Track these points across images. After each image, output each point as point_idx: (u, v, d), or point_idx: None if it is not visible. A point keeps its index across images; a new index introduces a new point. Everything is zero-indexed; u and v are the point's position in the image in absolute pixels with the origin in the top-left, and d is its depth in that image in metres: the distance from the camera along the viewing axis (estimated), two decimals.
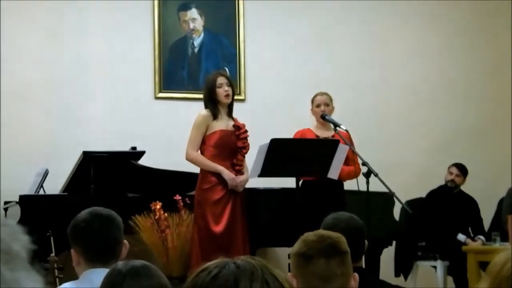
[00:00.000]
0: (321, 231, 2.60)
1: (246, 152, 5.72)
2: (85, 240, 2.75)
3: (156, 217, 5.77)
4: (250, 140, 5.73)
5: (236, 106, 5.84)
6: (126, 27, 7.12)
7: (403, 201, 5.69)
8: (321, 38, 7.61)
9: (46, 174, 6.15)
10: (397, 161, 7.54)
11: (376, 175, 5.32)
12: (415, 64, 7.88)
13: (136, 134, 6.87)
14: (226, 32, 7.38)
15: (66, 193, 6.00)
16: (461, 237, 6.92)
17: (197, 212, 5.58)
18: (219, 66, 7.17)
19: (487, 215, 7.25)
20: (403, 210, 6.63)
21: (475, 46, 8.05)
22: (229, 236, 5.51)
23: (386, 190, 5.35)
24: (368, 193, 5.39)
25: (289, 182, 5.56)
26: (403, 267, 7.03)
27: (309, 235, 2.50)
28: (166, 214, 5.77)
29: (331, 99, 5.99)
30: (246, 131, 5.73)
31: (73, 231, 2.79)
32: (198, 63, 7.30)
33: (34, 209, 5.71)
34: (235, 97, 5.90)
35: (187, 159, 5.68)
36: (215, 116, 5.64)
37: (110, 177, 5.97)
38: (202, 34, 7.32)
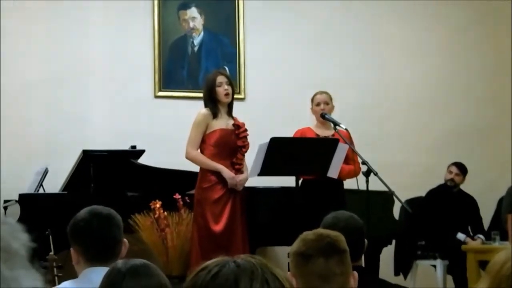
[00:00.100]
0: (320, 230, 2.60)
1: (245, 151, 5.72)
2: (84, 239, 2.75)
3: (156, 216, 5.76)
4: (249, 139, 5.73)
5: (235, 105, 5.84)
6: (126, 26, 7.12)
7: (403, 200, 5.69)
8: (321, 37, 7.61)
9: (46, 172, 6.15)
10: (397, 160, 7.53)
11: (375, 174, 5.32)
12: (415, 64, 7.88)
13: (136, 133, 6.87)
14: (226, 31, 7.38)
15: (65, 192, 6.00)
16: (460, 236, 6.92)
17: (196, 211, 5.58)
18: (219, 65, 7.17)
19: (486, 214, 7.25)
20: (402, 209, 6.63)
21: (475, 45, 8.05)
22: (229, 235, 5.51)
23: (385, 189, 5.35)
24: (367, 192, 5.39)
25: (289, 181, 5.56)
26: (402, 266, 7.03)
27: (308, 234, 2.50)
28: (165, 213, 5.77)
29: (331, 98, 5.99)
30: (246, 130, 5.73)
31: (72, 230, 2.79)
32: (198, 62, 7.30)
33: (34, 208, 5.70)
34: (235, 96, 5.90)
35: (187, 158, 5.68)
36: (215, 115, 5.64)
37: (109, 176, 5.97)
38: (202, 33, 7.32)
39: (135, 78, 7.12)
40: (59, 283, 2.94)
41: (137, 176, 6.10)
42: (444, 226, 6.94)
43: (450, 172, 7.16)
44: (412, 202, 6.75)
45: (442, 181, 7.17)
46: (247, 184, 5.74)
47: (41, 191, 6.07)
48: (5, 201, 6.14)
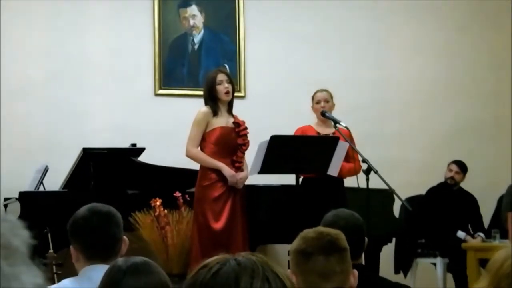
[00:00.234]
0: (320, 228, 2.60)
1: (246, 149, 5.72)
2: (84, 237, 2.74)
3: (156, 214, 5.76)
4: (250, 137, 5.73)
5: (236, 103, 5.84)
6: (126, 24, 7.12)
7: (403, 198, 5.68)
8: (321, 34, 7.61)
9: (46, 170, 6.15)
10: (397, 158, 7.53)
11: (376, 172, 5.32)
12: (416, 61, 7.88)
13: (136, 131, 6.87)
14: (226, 29, 7.38)
15: (66, 190, 6.00)
16: (460, 234, 6.92)
17: (197, 209, 5.59)
18: (219, 63, 7.16)
19: (487, 212, 7.25)
20: (403, 207, 6.63)
21: (476, 43, 8.04)
22: (229, 233, 5.51)
23: (386, 187, 5.35)
24: (368, 190, 5.39)
25: (289, 179, 5.56)
26: (402, 264, 7.03)
27: (309, 232, 2.50)
28: (166, 211, 5.77)
29: (331, 96, 5.99)
30: (246, 128, 5.73)
31: (72, 228, 2.78)
32: (198, 60, 7.29)
33: (34, 205, 5.71)
34: (235, 94, 5.90)
35: (187, 155, 5.68)
36: (215, 113, 5.64)
37: (110, 173, 5.97)
38: (202, 31, 7.31)
39: (135, 76, 7.11)
40: (58, 281, 2.94)
41: (137, 174, 6.10)
42: (444, 224, 6.95)
43: (450, 170, 7.17)
44: (412, 200, 6.74)
45: (442, 179, 7.17)
46: (248, 182, 5.74)
47: (41, 189, 6.07)
48: (5, 199, 6.14)
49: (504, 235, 6.58)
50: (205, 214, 5.52)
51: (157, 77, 7.16)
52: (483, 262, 6.19)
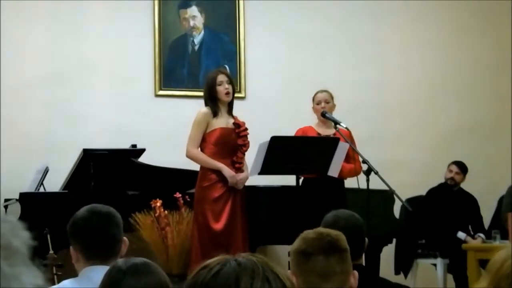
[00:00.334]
0: (320, 229, 2.60)
1: (246, 150, 5.72)
2: (84, 238, 2.74)
3: (156, 214, 5.76)
4: (250, 137, 5.73)
5: (236, 103, 5.84)
6: (127, 24, 7.12)
7: (403, 199, 5.68)
8: (321, 35, 7.61)
9: (46, 171, 6.15)
10: (398, 159, 7.53)
11: (376, 173, 5.31)
12: (416, 62, 7.87)
13: (136, 131, 6.87)
14: (226, 30, 7.38)
15: (66, 191, 6.00)
16: (461, 235, 6.92)
17: (197, 209, 5.59)
18: (219, 64, 7.16)
19: (487, 213, 7.25)
20: (403, 208, 6.63)
21: (476, 43, 8.04)
22: (229, 234, 5.51)
23: (386, 188, 5.35)
24: (368, 191, 5.39)
25: (290, 180, 5.56)
26: (403, 265, 7.03)
27: (309, 233, 2.50)
28: (166, 211, 5.77)
29: (331, 97, 5.99)
30: (246, 128, 5.73)
31: (72, 228, 2.78)
32: (198, 60, 7.30)
33: (34, 206, 5.70)
34: (235, 95, 5.90)
35: (187, 156, 5.68)
36: (215, 113, 5.64)
37: (110, 174, 5.97)
38: (202, 32, 7.32)
39: (136, 76, 7.12)
40: (58, 282, 2.94)
41: (137, 175, 6.10)
42: (444, 225, 6.94)
43: (451, 171, 7.16)
44: (412, 201, 6.74)
45: (442, 180, 7.17)
46: (248, 183, 5.74)
47: (41, 190, 6.08)
48: (6, 200, 6.14)
49: (505, 236, 6.58)
50: (205, 214, 5.52)
51: (157, 77, 7.16)
52: (483, 263, 6.18)
